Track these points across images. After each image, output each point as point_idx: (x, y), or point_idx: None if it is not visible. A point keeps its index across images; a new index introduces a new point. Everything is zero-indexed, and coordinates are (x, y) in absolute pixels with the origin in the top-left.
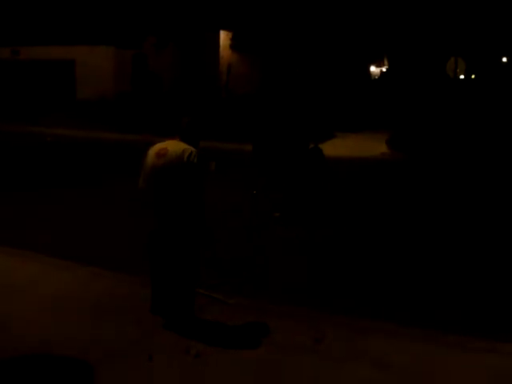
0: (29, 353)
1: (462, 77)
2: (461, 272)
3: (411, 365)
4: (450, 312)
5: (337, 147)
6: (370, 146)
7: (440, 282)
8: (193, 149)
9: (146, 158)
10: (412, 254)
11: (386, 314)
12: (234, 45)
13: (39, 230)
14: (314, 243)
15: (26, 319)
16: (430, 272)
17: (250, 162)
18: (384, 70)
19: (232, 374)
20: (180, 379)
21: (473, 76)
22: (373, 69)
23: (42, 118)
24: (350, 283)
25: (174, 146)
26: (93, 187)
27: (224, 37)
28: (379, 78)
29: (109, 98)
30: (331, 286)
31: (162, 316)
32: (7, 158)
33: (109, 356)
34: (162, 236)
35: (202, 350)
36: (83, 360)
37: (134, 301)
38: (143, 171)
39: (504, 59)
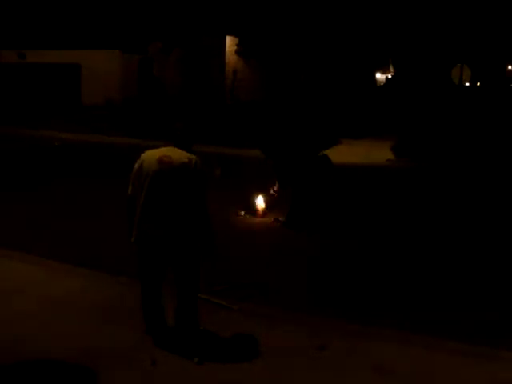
0: (29, 358)
1: (467, 84)
2: (464, 279)
3: (412, 371)
4: (452, 318)
5: (342, 154)
6: (376, 153)
7: (443, 289)
8: (196, 157)
9: (140, 164)
10: (415, 260)
11: (388, 320)
12: (240, 51)
13: (38, 230)
14: (317, 249)
15: (26, 323)
16: (433, 279)
17: (269, 167)
18: (389, 76)
19: (234, 381)
20: None
21: (478, 83)
22: (378, 75)
23: (47, 122)
24: (352, 289)
25: (177, 154)
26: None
27: (230, 42)
28: (385, 84)
29: (115, 102)
30: (333, 292)
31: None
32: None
33: (111, 361)
34: (164, 242)
35: (205, 357)
36: (86, 366)
37: (136, 304)
38: (135, 178)
39: (509, 67)
